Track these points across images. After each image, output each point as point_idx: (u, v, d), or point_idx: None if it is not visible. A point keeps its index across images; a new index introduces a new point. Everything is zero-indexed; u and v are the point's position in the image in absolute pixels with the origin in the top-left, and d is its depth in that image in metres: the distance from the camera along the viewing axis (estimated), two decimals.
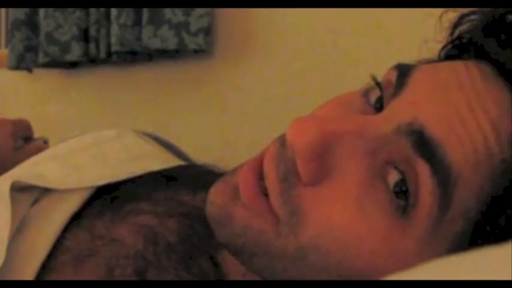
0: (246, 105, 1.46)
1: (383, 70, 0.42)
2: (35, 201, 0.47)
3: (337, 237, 0.37)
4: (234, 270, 0.43)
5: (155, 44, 1.45)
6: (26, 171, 0.50)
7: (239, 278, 0.43)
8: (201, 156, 0.59)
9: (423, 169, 0.35)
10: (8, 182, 0.45)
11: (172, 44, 1.45)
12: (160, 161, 0.54)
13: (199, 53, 1.51)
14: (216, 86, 1.52)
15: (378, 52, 1.23)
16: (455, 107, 0.37)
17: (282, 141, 0.40)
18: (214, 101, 1.52)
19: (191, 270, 0.43)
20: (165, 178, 0.50)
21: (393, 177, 0.37)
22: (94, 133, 0.57)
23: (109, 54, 1.53)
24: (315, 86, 1.35)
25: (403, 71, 0.39)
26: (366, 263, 0.37)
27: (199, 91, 1.54)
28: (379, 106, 0.40)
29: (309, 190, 0.38)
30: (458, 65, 0.40)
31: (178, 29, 1.44)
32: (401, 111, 0.37)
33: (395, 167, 0.36)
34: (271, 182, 0.39)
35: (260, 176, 0.40)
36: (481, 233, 0.36)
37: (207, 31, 1.44)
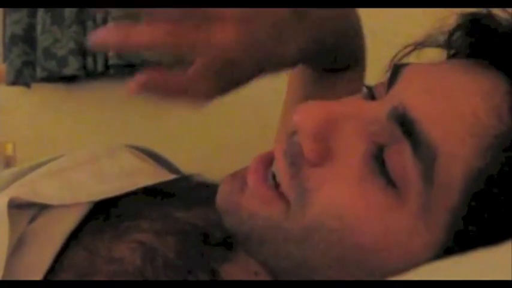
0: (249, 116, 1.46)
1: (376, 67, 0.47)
2: (33, 218, 0.47)
3: (338, 215, 0.39)
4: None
5: (153, 56, 1.45)
6: (23, 188, 0.50)
7: None
8: (199, 167, 0.59)
9: (405, 148, 0.38)
10: (5, 199, 0.45)
11: (170, 56, 1.44)
12: (153, 176, 0.54)
13: None
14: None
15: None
16: (441, 87, 0.39)
17: (289, 132, 0.43)
18: (216, 112, 1.52)
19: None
20: (160, 194, 0.52)
21: (387, 159, 0.39)
22: (88, 150, 0.57)
23: (107, 67, 1.53)
24: None
25: (396, 68, 0.43)
26: (365, 241, 0.39)
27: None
28: (372, 96, 0.44)
29: (314, 171, 0.41)
30: (451, 60, 0.43)
31: None
32: (391, 98, 0.41)
33: (388, 151, 0.39)
34: (281, 166, 0.42)
35: (269, 165, 0.43)
36: (478, 207, 0.38)
37: None
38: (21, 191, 0.49)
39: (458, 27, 0.45)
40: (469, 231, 0.38)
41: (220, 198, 0.44)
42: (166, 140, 1.47)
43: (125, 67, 1.54)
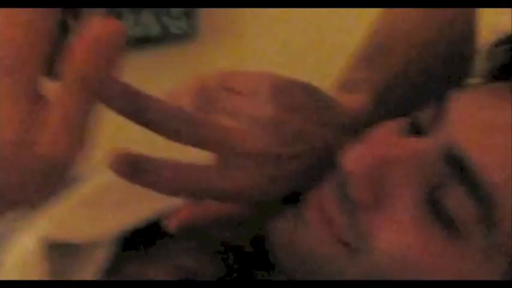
0: None
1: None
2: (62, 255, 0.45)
3: (399, 262, 0.38)
4: None
5: (137, 31, 1.41)
6: (52, 224, 0.47)
7: None
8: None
9: (462, 192, 0.37)
10: (33, 237, 0.43)
11: (154, 30, 1.40)
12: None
13: (183, 37, 1.46)
14: (202, 70, 1.48)
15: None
16: (497, 124, 0.38)
17: (337, 177, 0.42)
18: None
19: None
20: None
21: (443, 201, 0.38)
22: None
23: None
24: (302, 68, 1.31)
25: (441, 98, 0.41)
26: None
27: (185, 77, 1.50)
28: (415, 130, 0.42)
29: (369, 216, 0.40)
30: (499, 86, 0.41)
31: (159, 14, 1.39)
32: (442, 134, 0.39)
33: (443, 192, 0.38)
34: (334, 210, 0.41)
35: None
36: None
37: (190, 14, 1.40)
38: (49, 228, 0.46)
39: (492, 50, 0.44)
40: None
41: (275, 237, 0.43)
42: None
43: None
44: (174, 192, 0.41)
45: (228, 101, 0.44)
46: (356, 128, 0.46)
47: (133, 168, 0.39)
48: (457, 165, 0.37)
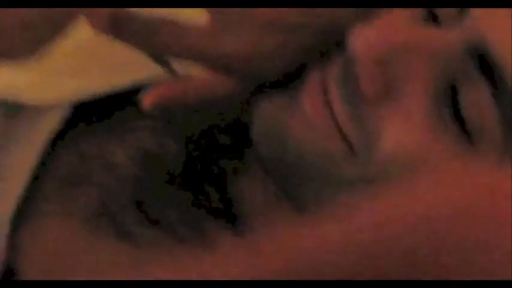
0: None
1: None
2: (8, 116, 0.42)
3: (406, 162, 0.35)
4: (249, 206, 0.39)
5: None
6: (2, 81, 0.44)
7: (253, 215, 0.39)
8: None
9: (483, 90, 0.34)
10: None
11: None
12: (145, 70, 0.47)
13: None
14: None
15: None
16: None
17: (345, 60, 0.37)
18: None
19: (194, 202, 0.39)
20: None
21: (461, 99, 0.35)
22: (73, 37, 0.50)
23: None
24: None
25: None
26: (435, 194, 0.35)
27: None
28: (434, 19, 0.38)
29: (375, 110, 0.36)
30: None
31: None
32: (467, 28, 0.35)
33: (461, 90, 0.35)
34: (337, 102, 0.37)
35: (325, 91, 0.37)
36: None
37: None
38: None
39: None
40: None
41: (263, 116, 0.39)
42: None
43: None
44: (163, 51, 0.39)
45: None
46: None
47: (119, 23, 0.37)
48: (482, 62, 0.35)
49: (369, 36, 0.36)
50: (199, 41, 0.38)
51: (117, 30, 0.37)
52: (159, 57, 0.42)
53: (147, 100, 0.39)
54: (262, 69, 0.39)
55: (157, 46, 0.38)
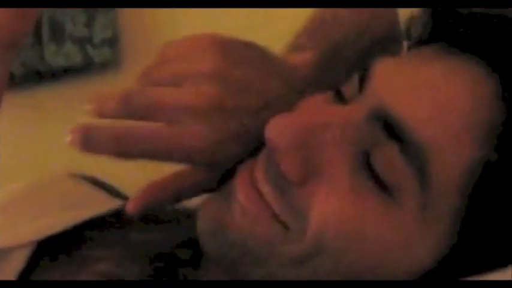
0: None
1: None
2: None
3: (336, 231, 0.37)
4: None
5: (59, 61, 1.40)
6: None
7: None
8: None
9: (392, 149, 0.36)
10: None
11: (77, 59, 1.40)
12: (101, 204, 0.51)
13: (107, 66, 1.47)
14: None
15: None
16: (420, 81, 0.37)
17: (267, 150, 0.40)
18: None
19: None
20: (110, 221, 0.49)
21: (376, 163, 0.37)
22: (25, 182, 0.53)
23: (12, 77, 1.46)
24: None
25: (365, 66, 0.40)
26: (366, 253, 0.37)
27: None
28: (341, 99, 0.41)
29: (302, 190, 0.38)
30: (421, 50, 0.41)
31: (82, 43, 1.39)
32: (367, 98, 0.38)
33: (375, 154, 0.37)
34: (266, 189, 0.39)
35: (255, 182, 0.39)
36: (481, 200, 0.36)
37: (112, 42, 1.40)
38: None
39: (415, 16, 0.43)
40: (475, 226, 0.37)
41: (205, 218, 0.40)
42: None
43: (30, 75, 1.47)
44: (126, 155, 0.40)
45: (168, 69, 0.43)
46: (304, 87, 0.44)
47: (86, 138, 0.39)
48: (386, 125, 0.36)
49: (282, 123, 0.37)
50: (162, 141, 0.40)
51: (88, 146, 0.40)
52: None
53: (130, 207, 0.41)
54: (215, 155, 0.41)
55: (126, 151, 0.40)
